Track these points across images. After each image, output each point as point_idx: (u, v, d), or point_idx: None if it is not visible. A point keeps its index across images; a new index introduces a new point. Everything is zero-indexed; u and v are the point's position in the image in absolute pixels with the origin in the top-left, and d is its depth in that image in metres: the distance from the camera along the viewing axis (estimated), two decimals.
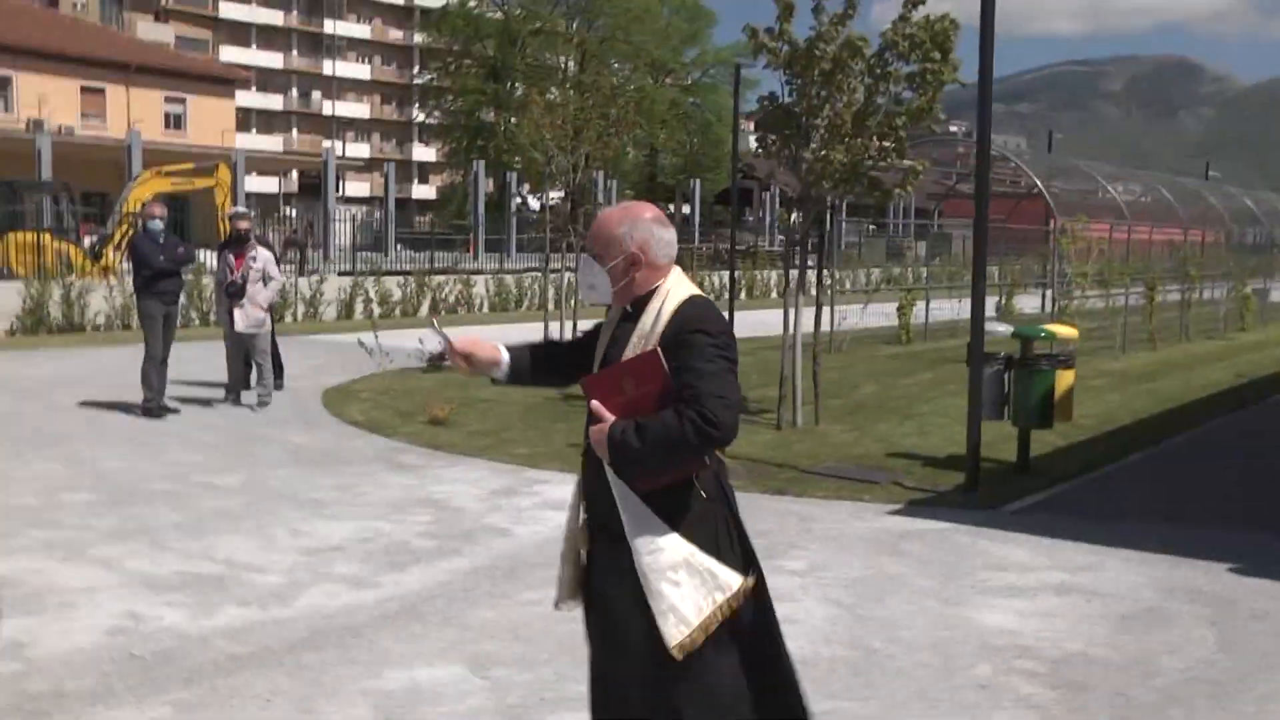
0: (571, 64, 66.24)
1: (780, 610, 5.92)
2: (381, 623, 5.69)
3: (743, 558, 3.26)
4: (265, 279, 11.98)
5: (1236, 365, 18.00)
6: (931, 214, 29.41)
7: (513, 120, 52.98)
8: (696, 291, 3.27)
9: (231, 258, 12.01)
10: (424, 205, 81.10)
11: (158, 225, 11.58)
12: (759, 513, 7.99)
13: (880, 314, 21.40)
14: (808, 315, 11.90)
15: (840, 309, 18.46)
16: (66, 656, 5.17)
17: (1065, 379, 9.33)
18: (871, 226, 43.23)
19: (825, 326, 11.58)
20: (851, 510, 8.28)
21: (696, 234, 46.59)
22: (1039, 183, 18.82)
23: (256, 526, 7.45)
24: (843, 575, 6.64)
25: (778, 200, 50.17)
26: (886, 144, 10.95)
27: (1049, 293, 18.08)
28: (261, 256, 12.06)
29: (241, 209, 14.57)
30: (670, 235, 3.33)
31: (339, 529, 7.41)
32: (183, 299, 16.35)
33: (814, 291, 11.65)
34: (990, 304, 20.42)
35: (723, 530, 3.22)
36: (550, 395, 13.19)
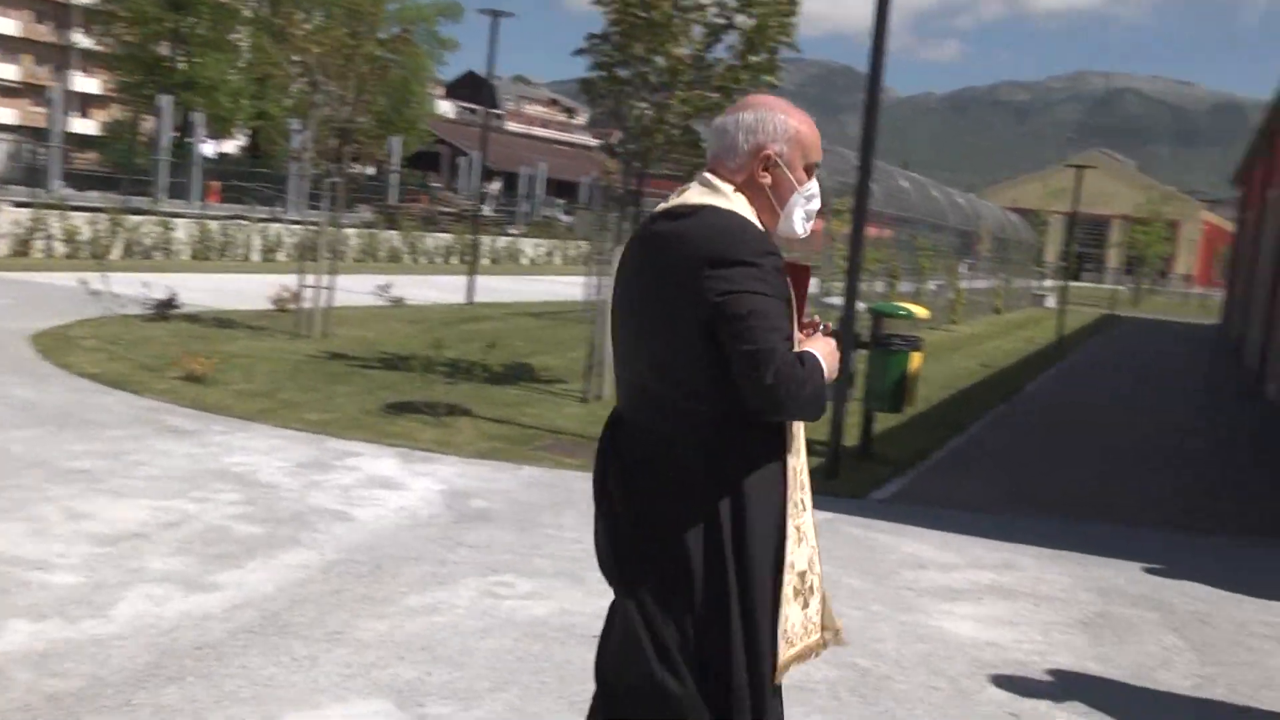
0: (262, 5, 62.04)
1: None
2: (248, 640, 4.33)
3: None
4: None
5: (975, 355, 18.60)
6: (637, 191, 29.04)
7: (196, 58, 48.87)
8: None
9: None
10: (84, 141, 73.96)
11: None
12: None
13: None
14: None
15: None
16: None
17: (916, 361, 8.87)
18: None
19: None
20: None
21: (396, 194, 44.59)
22: None
23: (14, 504, 5.76)
24: None
25: (479, 167, 48.80)
26: (719, 97, 10.17)
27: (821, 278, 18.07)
28: None
29: None
30: None
31: (129, 509, 5.84)
32: None
33: (614, 260, 10.74)
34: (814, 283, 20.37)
35: None
36: (312, 352, 11.69)
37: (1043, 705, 4.39)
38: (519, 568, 5.51)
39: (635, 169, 10.46)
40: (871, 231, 21.16)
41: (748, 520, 2.45)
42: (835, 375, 2.51)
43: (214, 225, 24.90)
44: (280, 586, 4.93)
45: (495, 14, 22.44)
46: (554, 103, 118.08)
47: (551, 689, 4.13)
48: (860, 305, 8.92)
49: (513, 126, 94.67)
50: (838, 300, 11.56)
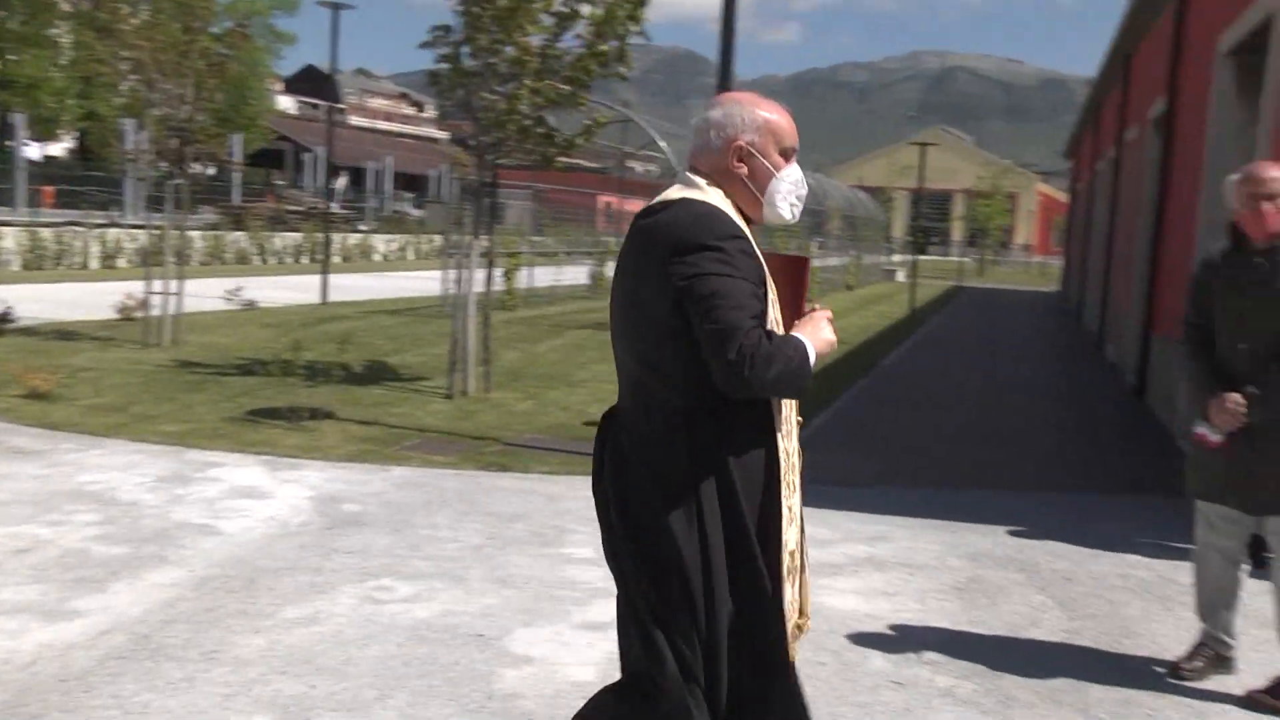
0: None
1: (614, 610, 5.04)
2: (118, 666, 4.15)
3: None
4: None
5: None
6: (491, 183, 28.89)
7: (11, 55, 46.57)
8: None
9: None
10: None
11: None
12: (500, 493, 7.00)
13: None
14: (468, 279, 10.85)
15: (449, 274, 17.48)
16: None
17: None
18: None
19: (478, 289, 10.59)
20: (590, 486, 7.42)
21: (239, 194, 43.36)
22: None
23: None
24: None
25: (324, 163, 47.77)
26: (571, 88, 10.13)
27: None
28: None
29: None
30: None
31: None
32: None
33: (475, 253, 10.61)
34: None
35: None
36: (164, 361, 11.29)
37: (924, 672, 4.50)
38: (398, 571, 5.42)
39: (488, 161, 10.35)
40: None
41: (738, 504, 2.53)
42: (826, 352, 2.62)
43: (46, 233, 23.84)
44: (149, 608, 4.75)
45: (335, 6, 21.98)
46: (404, 96, 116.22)
47: (441, 692, 4.07)
48: None
49: (357, 121, 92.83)
50: None
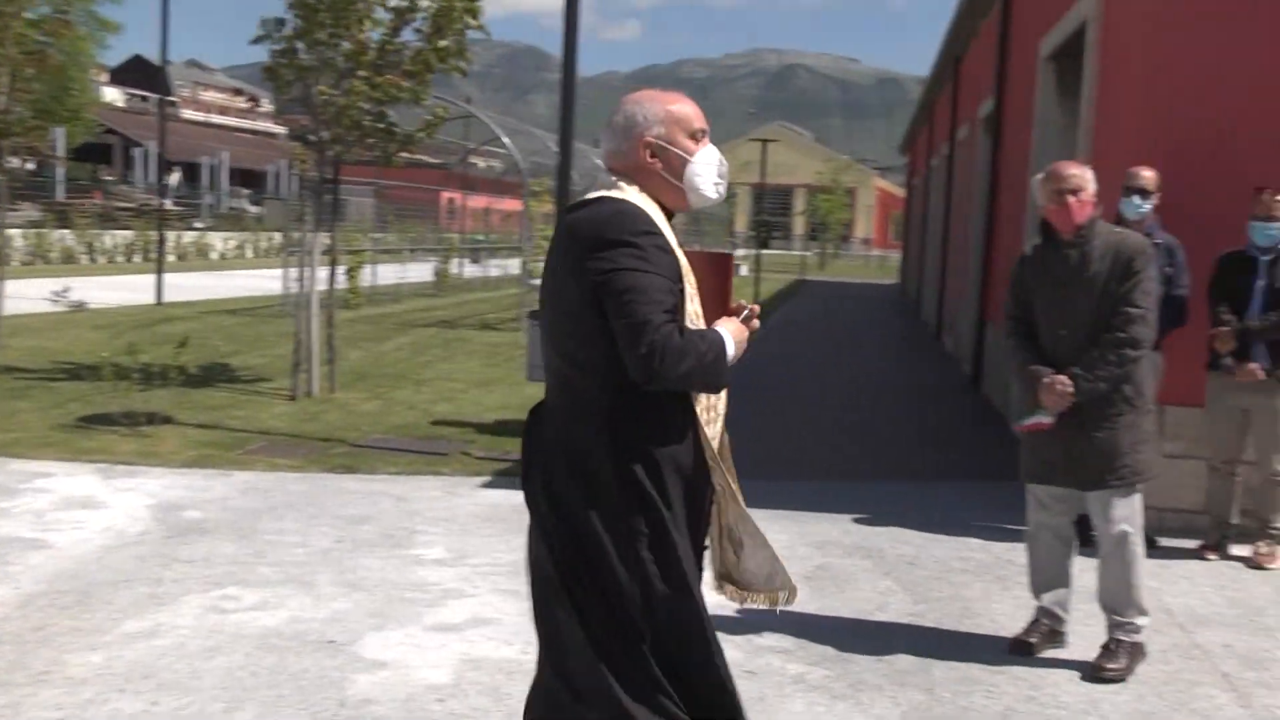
0: None
1: (468, 610, 5.01)
2: None
3: None
4: None
5: None
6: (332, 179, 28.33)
7: None
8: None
9: None
10: None
11: None
12: (347, 496, 6.88)
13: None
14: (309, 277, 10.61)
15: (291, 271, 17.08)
16: None
17: None
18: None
19: (320, 287, 10.39)
20: (441, 486, 7.35)
21: (63, 190, 41.60)
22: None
23: None
24: (498, 561, 5.76)
25: (155, 158, 46.11)
26: (411, 83, 9.98)
27: (522, 258, 17.97)
28: None
29: None
30: None
31: None
32: None
33: (316, 251, 10.36)
34: (517, 264, 20.13)
35: None
36: None
37: (775, 660, 4.59)
38: (243, 579, 5.27)
39: (328, 157, 10.14)
40: None
41: (667, 494, 2.62)
42: (741, 348, 2.71)
43: None
44: None
45: None
46: (238, 92, 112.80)
47: (291, 701, 3.98)
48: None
49: (190, 115, 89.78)
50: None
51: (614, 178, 2.74)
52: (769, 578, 2.94)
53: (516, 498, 6.79)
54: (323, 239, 10.63)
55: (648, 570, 2.63)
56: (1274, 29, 6.68)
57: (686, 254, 2.71)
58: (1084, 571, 4.97)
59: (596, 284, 2.52)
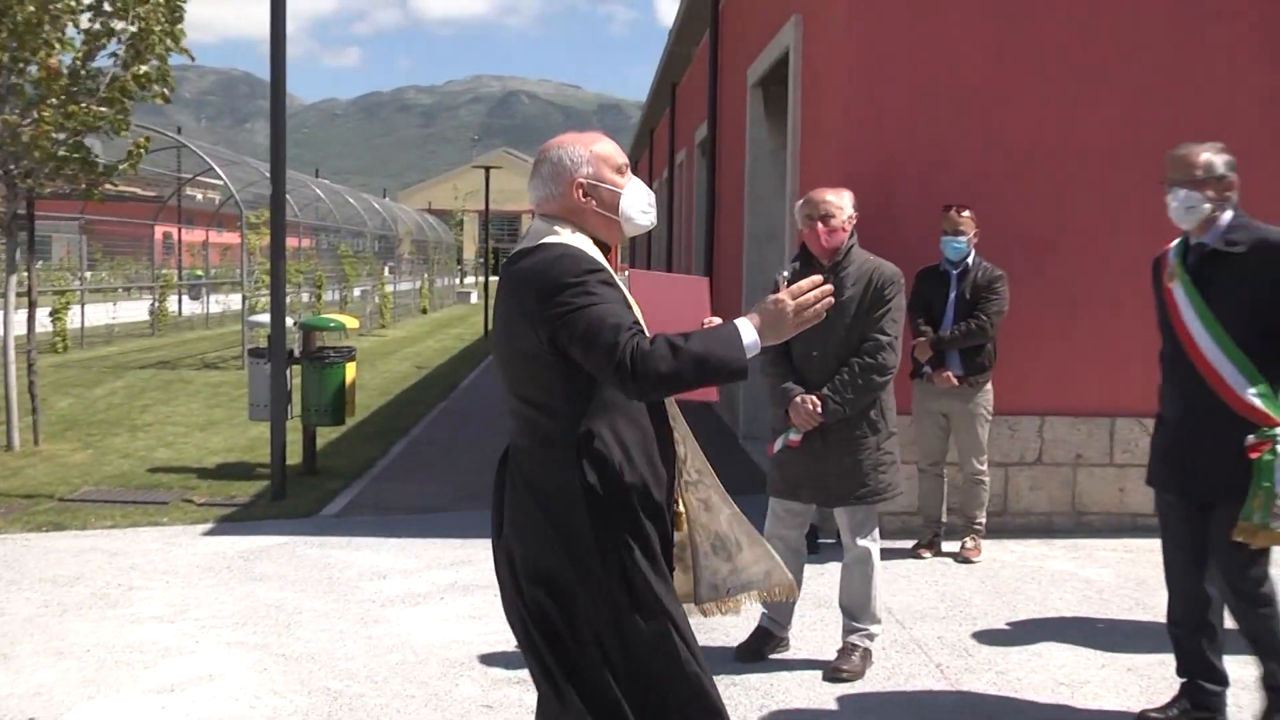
0: None
1: (190, 667, 4.75)
2: None
3: None
4: None
5: (408, 358, 18.87)
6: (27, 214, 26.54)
7: None
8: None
9: None
10: None
11: None
12: (56, 555, 6.45)
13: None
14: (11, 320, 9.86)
15: None
16: None
17: (351, 371, 8.84)
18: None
19: (18, 331, 9.69)
20: (159, 537, 6.96)
21: None
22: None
23: None
24: (222, 613, 5.49)
25: None
26: (109, 111, 9.46)
27: (242, 294, 17.17)
28: None
29: None
30: None
31: None
32: None
33: (11, 293, 9.60)
34: (238, 299, 19.08)
35: None
36: None
37: (514, 692, 4.56)
38: None
39: (20, 190, 9.48)
40: (292, 243, 20.80)
41: (638, 519, 2.68)
42: (792, 326, 2.66)
43: None
44: None
45: None
46: None
47: None
48: (289, 321, 8.73)
49: None
50: (264, 318, 11.24)
51: (548, 223, 2.81)
52: (767, 574, 3.09)
53: (242, 544, 6.59)
54: (19, 279, 9.89)
55: (625, 622, 2.70)
56: (971, 58, 7.18)
57: (664, 279, 2.89)
58: (810, 579, 5.17)
59: (556, 330, 2.58)
